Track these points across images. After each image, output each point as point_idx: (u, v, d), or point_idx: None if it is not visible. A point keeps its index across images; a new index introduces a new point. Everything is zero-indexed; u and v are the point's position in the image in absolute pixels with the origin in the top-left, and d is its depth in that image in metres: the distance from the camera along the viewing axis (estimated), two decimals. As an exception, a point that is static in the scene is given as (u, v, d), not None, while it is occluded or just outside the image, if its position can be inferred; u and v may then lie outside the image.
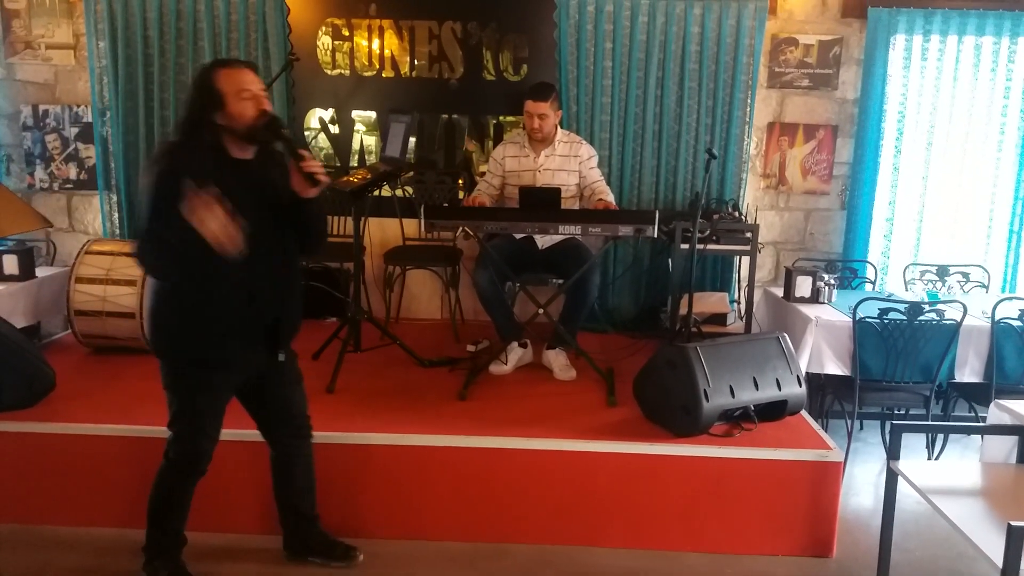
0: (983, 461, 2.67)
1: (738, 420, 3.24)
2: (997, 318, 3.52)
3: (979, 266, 4.61)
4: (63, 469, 3.10)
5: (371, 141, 5.03)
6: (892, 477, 2.48)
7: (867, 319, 3.46)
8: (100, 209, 5.03)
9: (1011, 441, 2.52)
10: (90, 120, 4.94)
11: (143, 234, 2.35)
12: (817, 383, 3.81)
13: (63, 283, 4.06)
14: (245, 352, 2.54)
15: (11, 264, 4.08)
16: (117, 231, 4.99)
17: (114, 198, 4.98)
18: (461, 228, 3.65)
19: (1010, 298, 3.63)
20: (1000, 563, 1.84)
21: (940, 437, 3.89)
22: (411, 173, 4.87)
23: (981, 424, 2.89)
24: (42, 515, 3.11)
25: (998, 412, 2.61)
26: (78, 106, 4.97)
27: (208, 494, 2.78)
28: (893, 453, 2.46)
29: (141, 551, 2.67)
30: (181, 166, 2.31)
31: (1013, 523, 1.81)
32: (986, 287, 4.53)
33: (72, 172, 5.04)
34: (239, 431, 2.88)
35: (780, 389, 3.25)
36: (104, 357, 4.01)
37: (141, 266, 2.48)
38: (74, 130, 4.99)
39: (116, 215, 4.99)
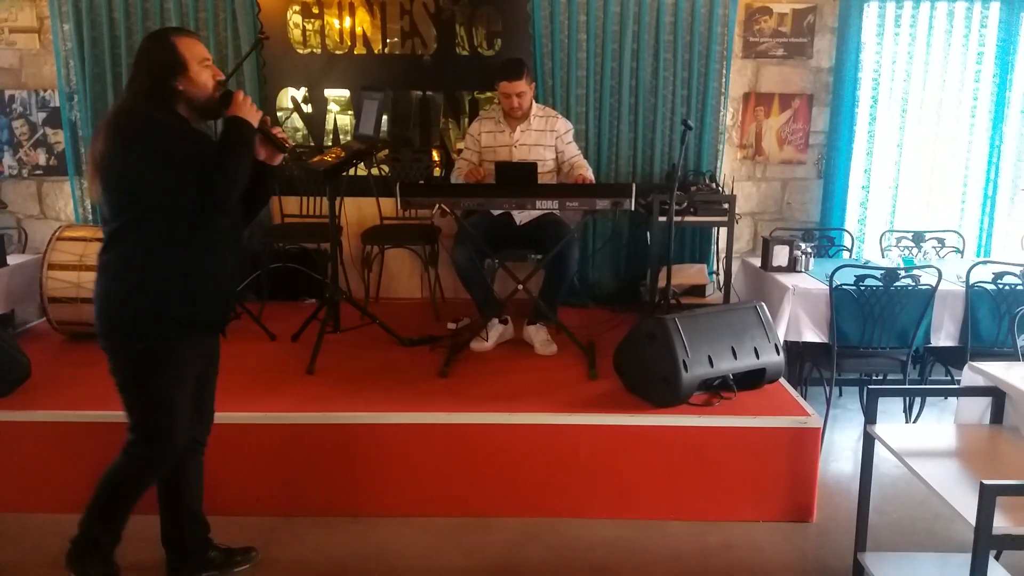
0: (957, 423, 2.71)
1: (717, 389, 3.27)
2: (971, 282, 3.55)
3: (954, 231, 4.66)
4: (41, 457, 3.07)
5: (345, 120, 4.98)
6: (869, 441, 2.50)
7: (844, 286, 3.48)
8: (71, 195, 4.95)
9: (984, 402, 2.55)
10: (57, 104, 4.85)
11: (202, 171, 2.21)
12: (796, 351, 3.84)
13: (36, 270, 4.00)
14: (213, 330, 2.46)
15: (-19, 253, 4.02)
16: (89, 217, 4.92)
17: (85, 184, 4.91)
18: (438, 205, 3.63)
19: (984, 262, 3.66)
20: (974, 521, 1.87)
21: (918, 401, 3.94)
22: (386, 151, 4.84)
23: (955, 387, 2.93)
24: (20, 503, 3.09)
25: (972, 374, 2.64)
26: (45, 90, 4.88)
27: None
28: (869, 417, 2.48)
29: (70, 542, 2.44)
30: (163, 120, 2.24)
31: (985, 482, 1.83)
32: (961, 252, 4.58)
33: (41, 158, 4.96)
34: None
35: (758, 358, 3.27)
36: (80, 344, 3.97)
37: (219, 195, 2.25)
38: (42, 115, 4.90)
39: (88, 201, 4.92)
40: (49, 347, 3.94)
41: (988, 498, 1.83)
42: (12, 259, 4.32)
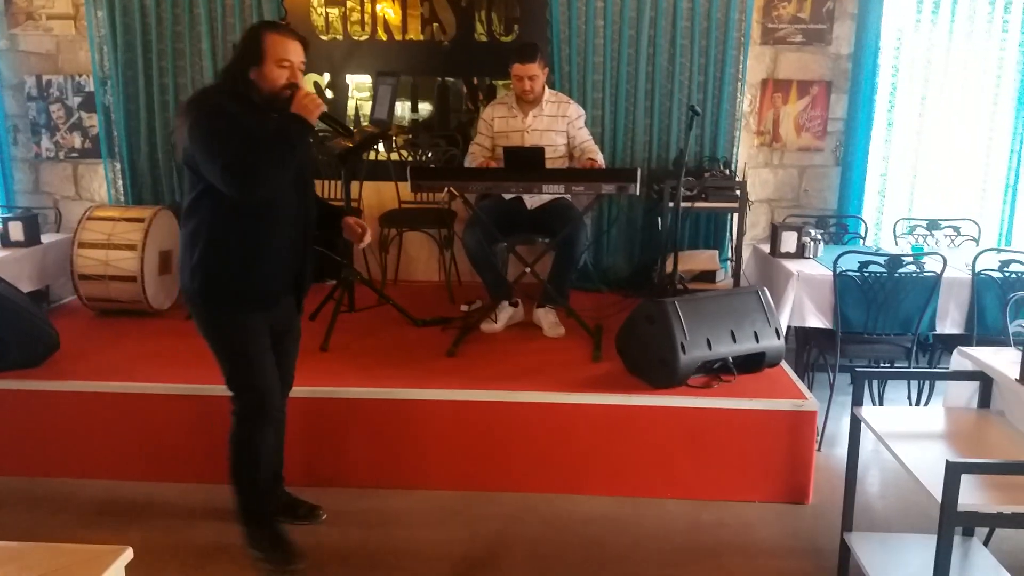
0: (945, 407, 2.73)
1: (718, 372, 3.32)
2: (978, 270, 3.55)
3: (970, 220, 4.62)
4: (64, 424, 3.24)
5: (369, 105, 5.09)
6: (855, 422, 2.55)
7: (847, 272, 3.50)
8: (105, 177, 5.14)
9: (973, 387, 2.58)
10: (92, 89, 5.03)
11: (231, 158, 2.31)
12: (804, 337, 3.86)
13: (67, 249, 4.18)
14: (284, 299, 2.65)
15: (16, 231, 4.21)
16: (121, 198, 5.10)
17: (117, 166, 5.09)
18: (446, 189, 3.71)
19: (992, 250, 3.65)
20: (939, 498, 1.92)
21: (927, 390, 3.94)
22: (408, 135, 4.94)
23: (942, 371, 2.95)
24: (43, 467, 3.26)
25: (961, 359, 2.66)
26: (80, 75, 5.06)
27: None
28: (856, 400, 2.53)
29: (237, 523, 2.66)
30: (224, 104, 2.40)
31: (950, 459, 1.88)
32: (977, 240, 4.54)
33: (76, 141, 5.15)
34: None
35: (758, 342, 3.31)
36: (108, 319, 4.15)
37: (242, 186, 2.33)
38: (77, 99, 5.08)
39: (120, 182, 5.10)
40: (80, 322, 4.12)
41: (953, 475, 1.88)
42: (46, 238, 4.53)
